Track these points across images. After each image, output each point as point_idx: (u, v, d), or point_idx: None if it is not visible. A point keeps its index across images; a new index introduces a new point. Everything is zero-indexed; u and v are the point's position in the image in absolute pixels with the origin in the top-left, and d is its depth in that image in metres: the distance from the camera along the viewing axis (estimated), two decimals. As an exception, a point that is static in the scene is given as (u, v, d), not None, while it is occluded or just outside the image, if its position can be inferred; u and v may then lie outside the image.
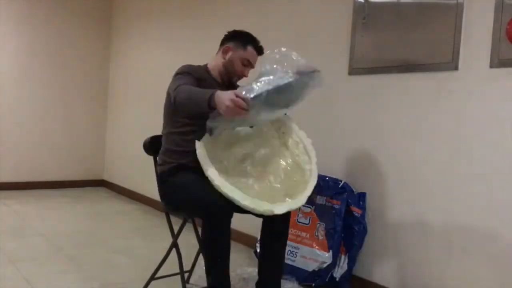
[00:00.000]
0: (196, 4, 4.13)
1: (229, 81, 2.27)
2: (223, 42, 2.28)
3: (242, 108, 1.73)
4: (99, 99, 5.57)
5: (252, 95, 1.75)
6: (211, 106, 1.81)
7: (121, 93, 5.40)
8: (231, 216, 1.93)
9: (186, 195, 2.06)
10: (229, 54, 2.22)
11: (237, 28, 2.30)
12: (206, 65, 2.30)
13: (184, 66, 2.21)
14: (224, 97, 1.75)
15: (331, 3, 2.86)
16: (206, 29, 3.98)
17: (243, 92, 1.76)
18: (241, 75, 2.25)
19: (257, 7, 3.43)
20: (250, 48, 2.22)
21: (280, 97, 1.86)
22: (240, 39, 2.24)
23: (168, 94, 2.14)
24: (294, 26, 3.13)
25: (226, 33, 2.29)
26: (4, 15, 4.93)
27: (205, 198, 1.92)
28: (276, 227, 2.11)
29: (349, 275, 2.55)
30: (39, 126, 5.19)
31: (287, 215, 2.06)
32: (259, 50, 2.25)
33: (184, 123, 2.13)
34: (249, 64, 2.23)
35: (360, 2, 2.66)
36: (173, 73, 2.18)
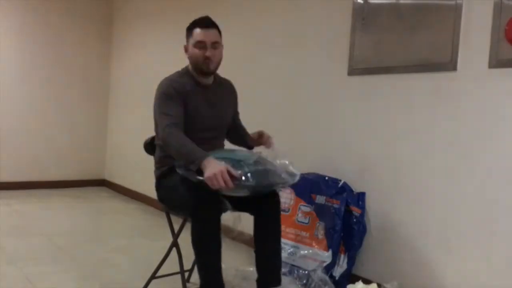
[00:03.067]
0: (196, 6, 4.14)
1: (204, 72, 2.20)
2: None
3: (226, 183, 1.80)
4: (100, 100, 5.57)
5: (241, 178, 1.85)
6: (200, 168, 1.87)
7: (121, 94, 5.40)
8: (219, 213, 1.94)
9: (176, 196, 2.09)
10: (187, 50, 2.22)
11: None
12: (187, 67, 2.27)
13: (167, 85, 2.16)
14: (214, 165, 1.83)
15: (330, 3, 2.87)
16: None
17: (239, 172, 1.85)
18: (205, 59, 2.15)
19: (257, 8, 3.44)
20: (195, 30, 2.18)
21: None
22: (187, 32, 2.24)
23: (155, 120, 2.15)
24: (294, 26, 3.14)
25: None
26: (5, 17, 4.93)
27: (191, 197, 1.93)
28: (267, 218, 2.14)
29: (348, 274, 2.56)
30: (39, 126, 5.19)
31: (276, 202, 2.15)
32: (203, 23, 2.18)
33: None
34: (203, 45, 2.15)
35: (360, 3, 2.67)
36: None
